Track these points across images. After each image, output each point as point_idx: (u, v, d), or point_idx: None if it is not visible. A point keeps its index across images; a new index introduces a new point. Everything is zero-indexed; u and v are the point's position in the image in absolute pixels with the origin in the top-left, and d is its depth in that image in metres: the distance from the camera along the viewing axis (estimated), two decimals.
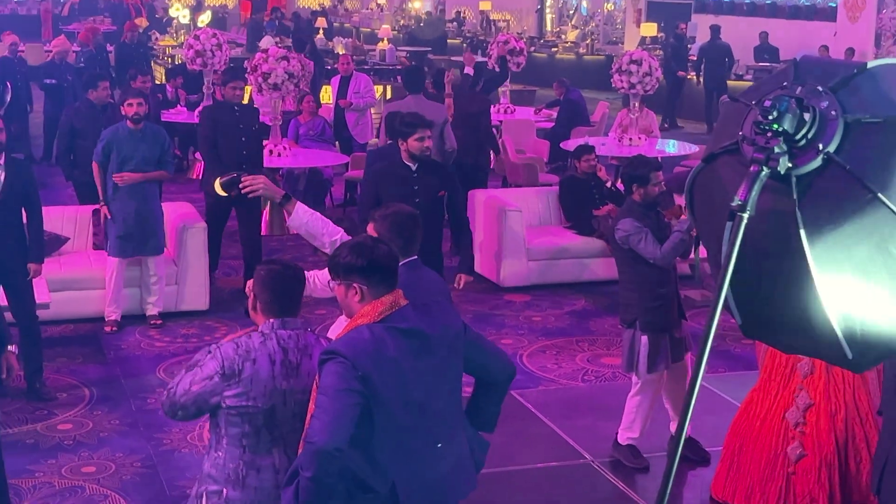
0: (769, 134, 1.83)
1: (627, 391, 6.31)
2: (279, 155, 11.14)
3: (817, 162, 1.83)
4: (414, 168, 6.75)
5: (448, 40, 27.74)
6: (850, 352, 1.89)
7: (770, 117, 1.82)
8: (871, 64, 1.90)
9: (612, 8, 28.02)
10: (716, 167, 1.98)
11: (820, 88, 1.86)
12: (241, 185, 4.81)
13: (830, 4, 20.88)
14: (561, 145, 13.42)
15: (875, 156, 1.80)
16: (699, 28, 22.25)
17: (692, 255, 5.91)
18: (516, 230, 9.61)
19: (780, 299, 1.92)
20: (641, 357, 6.05)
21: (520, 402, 7.11)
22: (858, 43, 18.72)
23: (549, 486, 6.11)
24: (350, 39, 23.93)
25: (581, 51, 25.39)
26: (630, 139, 12.50)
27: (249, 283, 3.89)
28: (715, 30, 19.62)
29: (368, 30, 30.69)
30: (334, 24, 31.04)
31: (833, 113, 1.83)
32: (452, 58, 25.65)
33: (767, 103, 1.83)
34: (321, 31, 24.27)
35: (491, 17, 28.66)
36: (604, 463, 6.29)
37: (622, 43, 25.17)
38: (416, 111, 8.13)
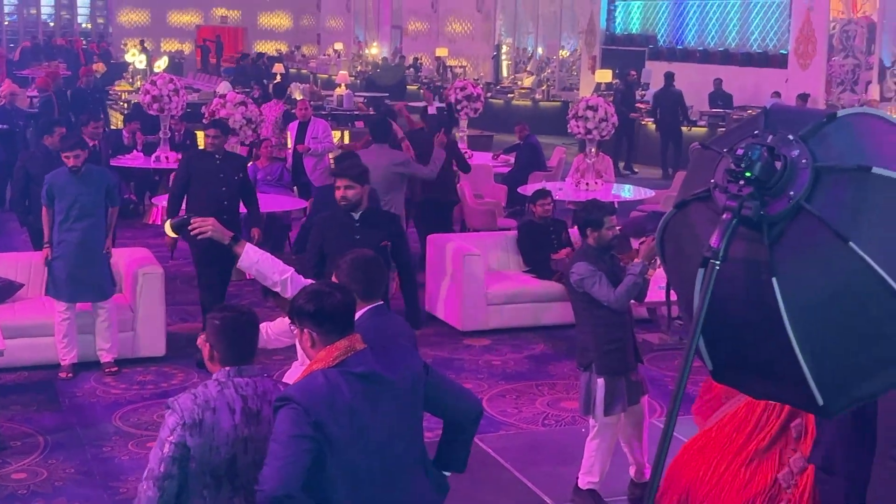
0: (741, 182, 1.85)
1: (588, 435, 6.30)
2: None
3: (788, 210, 1.84)
4: (356, 217, 6.64)
5: (406, 86, 27.92)
6: (821, 398, 1.90)
7: (742, 165, 1.84)
8: (840, 113, 1.93)
9: (567, 55, 28.33)
10: (687, 214, 1.99)
11: (791, 137, 1.88)
12: (189, 227, 4.80)
13: (782, 52, 21.24)
14: (518, 190, 13.49)
15: (845, 204, 1.82)
16: (653, 75, 22.56)
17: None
18: (475, 274, 9.62)
19: (751, 345, 1.92)
20: (598, 400, 6.06)
21: (480, 447, 7.07)
22: (810, 89, 19.05)
23: None
24: (307, 85, 23.99)
25: (537, 97, 25.63)
26: (587, 184, 12.60)
27: (202, 336, 3.86)
28: (668, 76, 19.89)
29: (326, 76, 30.81)
30: (291, 69, 31.14)
31: (804, 161, 1.85)
32: (410, 103, 25.82)
33: (739, 151, 1.85)
34: (279, 77, 24.34)
35: (447, 64, 28.89)
36: None
37: (578, 89, 25.44)
38: (373, 158, 8.38)
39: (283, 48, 38.11)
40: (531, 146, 14.83)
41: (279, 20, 40.42)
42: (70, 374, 8.17)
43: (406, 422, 3.60)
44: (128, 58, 26.56)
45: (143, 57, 25.36)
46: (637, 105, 21.48)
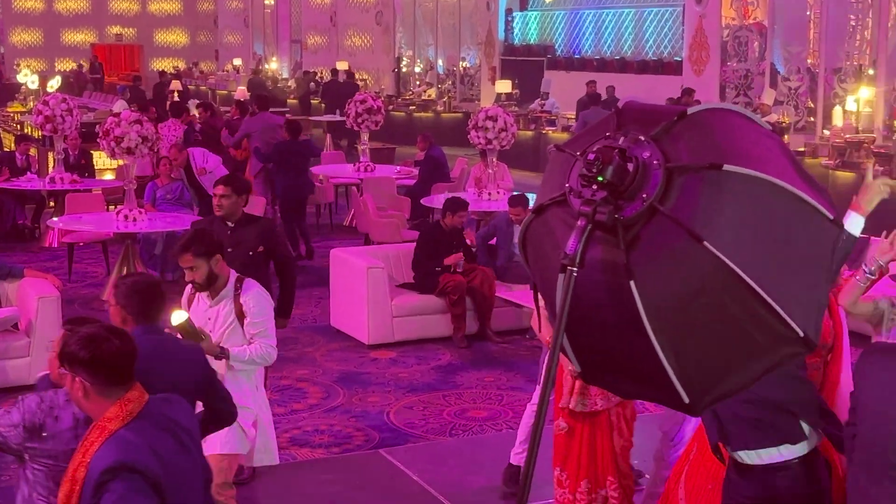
0: (594, 186, 1.86)
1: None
2: (135, 220, 10.93)
3: (642, 212, 1.86)
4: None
5: (310, 100, 27.84)
6: (687, 396, 1.93)
7: (594, 169, 1.85)
8: (691, 110, 1.94)
9: (467, 66, 28.47)
10: (546, 219, 2.00)
11: (642, 138, 1.89)
12: None
13: (676, 59, 21.64)
14: (422, 201, 13.51)
15: (699, 203, 1.84)
16: (552, 84, 22.81)
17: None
18: (379, 287, 9.60)
19: (615, 347, 1.95)
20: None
21: (387, 460, 7.06)
22: (704, 95, 19.41)
23: None
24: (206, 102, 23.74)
25: (439, 108, 25.71)
26: (489, 194, 12.67)
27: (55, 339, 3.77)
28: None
29: (225, 92, 30.52)
30: (189, 86, 30.79)
31: (655, 162, 1.86)
32: (311, 117, 25.72)
33: (591, 156, 1.86)
34: (176, 94, 24.05)
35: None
36: None
37: (479, 100, 25.58)
38: None
39: (181, 65, 37.68)
40: (433, 158, 14.87)
41: (176, 37, 39.94)
42: None
43: (201, 461, 3.48)
44: (19, 78, 26.00)
45: (36, 77, 24.85)
46: (538, 115, 21.68)
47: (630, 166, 1.86)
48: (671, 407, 2.01)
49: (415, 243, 10.26)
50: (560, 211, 1.95)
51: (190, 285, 5.39)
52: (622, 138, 1.89)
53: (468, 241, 10.18)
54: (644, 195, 1.85)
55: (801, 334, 1.89)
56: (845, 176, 15.26)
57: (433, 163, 14.77)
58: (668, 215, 1.84)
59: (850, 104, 17.80)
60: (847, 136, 16.40)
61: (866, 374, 3.88)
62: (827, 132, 17.45)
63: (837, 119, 17.61)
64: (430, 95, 26.90)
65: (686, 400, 1.93)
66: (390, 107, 25.39)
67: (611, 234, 1.86)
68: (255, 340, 5.30)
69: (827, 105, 18.41)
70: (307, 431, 7.54)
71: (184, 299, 5.53)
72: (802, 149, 17.09)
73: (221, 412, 4.47)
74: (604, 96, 20.89)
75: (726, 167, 1.84)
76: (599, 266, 1.87)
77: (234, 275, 5.39)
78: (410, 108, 26.05)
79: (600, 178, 1.85)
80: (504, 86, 23.65)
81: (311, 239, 13.34)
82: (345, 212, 15.44)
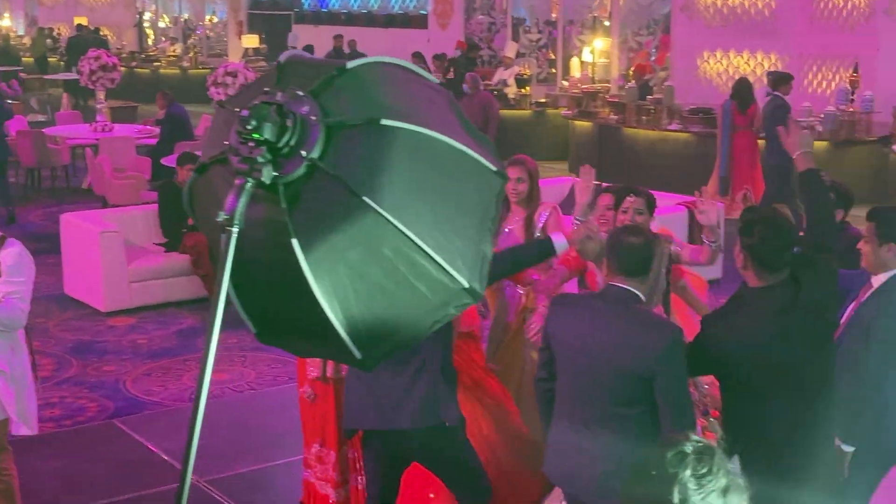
0: (251, 143, 1.79)
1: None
2: None
3: (303, 169, 1.80)
4: None
5: (49, 59, 26.48)
6: (358, 352, 1.91)
7: (249, 126, 1.78)
8: (350, 64, 1.90)
9: (215, 20, 27.76)
10: (209, 177, 1.93)
11: (300, 93, 1.83)
12: None
13: (422, 13, 21.80)
14: (163, 161, 13.09)
15: (359, 159, 1.81)
16: (300, 39, 22.55)
17: None
18: (114, 252, 9.24)
19: (285, 307, 1.91)
20: None
21: (122, 430, 6.83)
22: (450, 48, 19.65)
23: None
24: None
25: (185, 64, 24.96)
26: None
27: None
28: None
29: None
30: None
31: (314, 118, 1.81)
32: (47, 76, 24.48)
33: (246, 112, 1.79)
34: None
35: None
36: (211, 481, 6.15)
37: (227, 55, 25.02)
38: None
39: None
40: (174, 116, 14.40)
41: None
42: None
43: None
44: None
45: None
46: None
47: (289, 122, 1.80)
48: (345, 363, 1.98)
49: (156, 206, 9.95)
50: (222, 170, 1.87)
51: None
52: (280, 93, 1.83)
53: None
54: (303, 152, 1.80)
55: (467, 285, 1.90)
56: (583, 125, 15.83)
57: (174, 121, 14.29)
58: (328, 172, 1.80)
59: (587, 55, 18.46)
60: (584, 86, 17.00)
61: (558, 328, 3.99)
62: (566, 83, 18.04)
63: (575, 70, 18.23)
64: (175, 51, 26.05)
65: (358, 356, 1.91)
66: (133, 63, 24.48)
67: (271, 192, 1.81)
68: (6, 300, 4.95)
69: (567, 57, 19.03)
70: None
71: None
72: (544, 100, 17.61)
73: None
74: (346, 51, 20.83)
75: (384, 122, 1.81)
76: (261, 225, 1.82)
77: None
78: (155, 64, 25.15)
79: (256, 136, 1.78)
80: (251, 40, 23.24)
81: (46, 204, 12.74)
82: (83, 174, 14.78)
